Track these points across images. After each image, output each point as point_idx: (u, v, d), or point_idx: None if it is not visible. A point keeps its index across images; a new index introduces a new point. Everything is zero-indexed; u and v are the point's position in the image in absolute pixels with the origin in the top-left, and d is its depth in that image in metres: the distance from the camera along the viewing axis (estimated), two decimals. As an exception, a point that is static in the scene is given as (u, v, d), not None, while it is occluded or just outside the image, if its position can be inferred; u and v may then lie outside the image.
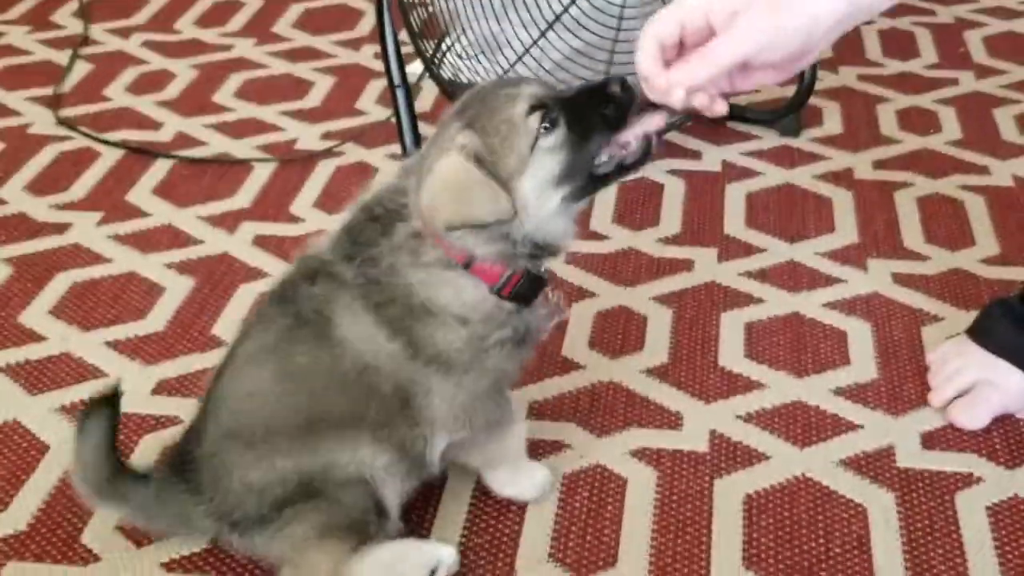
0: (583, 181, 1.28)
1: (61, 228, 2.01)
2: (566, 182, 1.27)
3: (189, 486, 1.33)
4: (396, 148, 2.19)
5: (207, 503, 1.32)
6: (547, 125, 1.25)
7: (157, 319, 1.78)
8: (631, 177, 1.36)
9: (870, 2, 1.19)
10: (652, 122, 1.30)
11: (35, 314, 1.79)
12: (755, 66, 1.20)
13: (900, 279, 1.86)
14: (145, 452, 1.52)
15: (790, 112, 2.28)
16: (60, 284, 1.86)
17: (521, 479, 1.46)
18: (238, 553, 1.37)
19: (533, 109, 1.25)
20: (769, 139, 2.28)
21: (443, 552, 1.35)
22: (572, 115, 1.27)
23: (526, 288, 1.31)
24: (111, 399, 1.34)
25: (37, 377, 1.66)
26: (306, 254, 1.35)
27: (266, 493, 1.30)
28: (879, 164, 2.19)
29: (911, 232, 1.98)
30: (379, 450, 1.32)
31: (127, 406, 1.55)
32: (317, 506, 1.30)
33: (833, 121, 2.33)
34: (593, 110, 1.27)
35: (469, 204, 1.24)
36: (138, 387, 1.63)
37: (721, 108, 1.22)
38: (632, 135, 1.29)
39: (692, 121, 2.25)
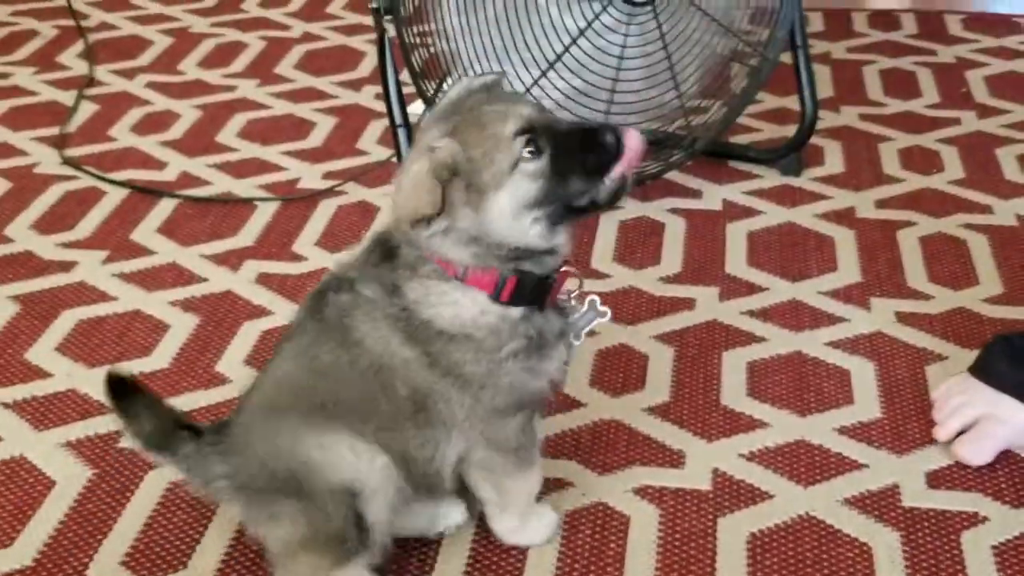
0: (558, 210, 1.30)
1: (67, 266, 2.02)
2: (540, 208, 1.28)
3: (222, 447, 1.36)
4: (399, 187, 2.20)
5: (231, 466, 1.35)
6: (532, 151, 1.27)
7: (162, 356, 1.79)
8: (604, 211, 1.37)
9: None
10: (627, 161, 1.31)
11: (41, 351, 1.80)
12: None
13: (903, 318, 1.87)
14: (150, 488, 1.52)
15: (791, 151, 2.30)
16: (66, 321, 1.87)
17: (529, 526, 1.46)
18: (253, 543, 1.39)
19: (521, 132, 1.27)
20: (770, 178, 2.29)
21: None
22: (559, 148, 1.28)
23: (528, 291, 1.32)
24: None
25: (43, 413, 1.66)
26: (333, 271, 1.40)
27: (266, 466, 1.33)
28: (881, 203, 2.20)
29: (914, 271, 1.99)
30: (379, 450, 1.33)
31: (132, 443, 1.57)
32: (303, 509, 1.32)
33: (835, 160, 2.35)
34: (581, 151, 1.29)
35: (417, 199, 1.26)
36: (142, 424, 1.63)
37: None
38: (608, 177, 1.30)
39: (692, 160, 2.26)
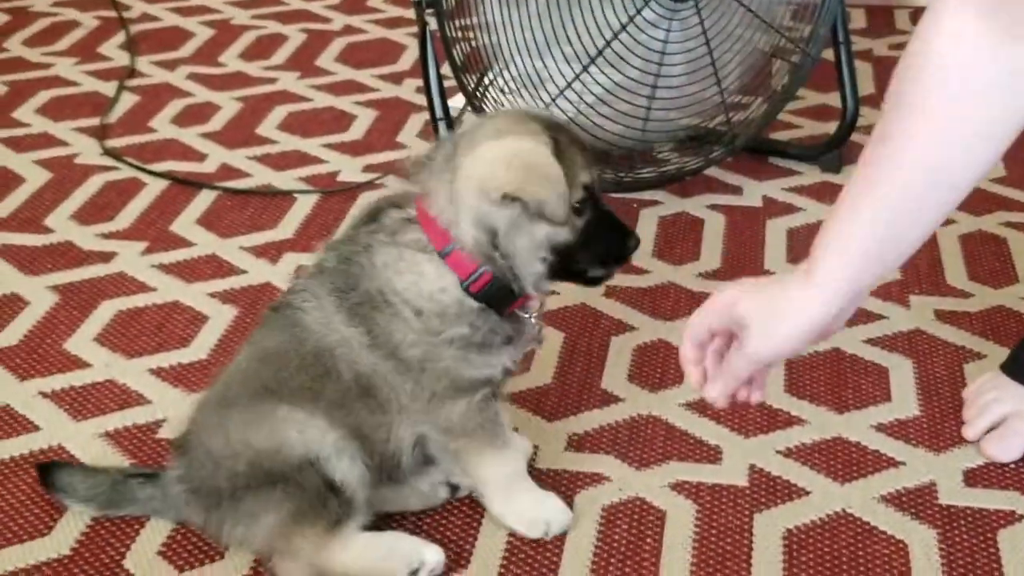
0: (561, 268, 1.38)
1: (106, 257, 2.03)
2: (551, 256, 1.35)
3: (177, 452, 1.41)
4: (437, 181, 2.20)
5: (184, 467, 1.39)
6: (577, 207, 1.33)
7: (200, 347, 1.80)
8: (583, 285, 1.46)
9: (868, 286, 1.32)
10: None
11: (80, 341, 1.81)
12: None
13: (942, 316, 1.85)
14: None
15: (832, 148, 2.29)
16: (105, 312, 1.88)
17: (521, 512, 1.46)
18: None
19: (586, 188, 1.34)
20: (811, 175, 2.28)
21: (427, 552, 1.37)
22: (597, 222, 1.36)
23: (494, 293, 1.35)
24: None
25: (81, 403, 1.68)
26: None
27: (222, 466, 1.35)
28: (921, 201, 2.18)
29: (954, 269, 1.98)
30: (331, 427, 1.35)
31: (169, 432, 1.58)
32: (284, 493, 1.33)
33: (874, 157, 2.33)
34: (606, 239, 1.38)
35: (541, 183, 1.30)
36: (181, 415, 1.64)
37: (758, 397, 1.36)
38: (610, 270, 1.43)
39: (732, 156, 2.25)
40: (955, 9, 1.20)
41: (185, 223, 2.14)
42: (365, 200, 2.20)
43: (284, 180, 2.29)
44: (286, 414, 1.35)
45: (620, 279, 1.96)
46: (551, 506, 1.46)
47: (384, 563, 1.36)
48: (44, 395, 1.69)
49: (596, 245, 1.37)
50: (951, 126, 1.23)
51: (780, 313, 1.31)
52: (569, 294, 1.91)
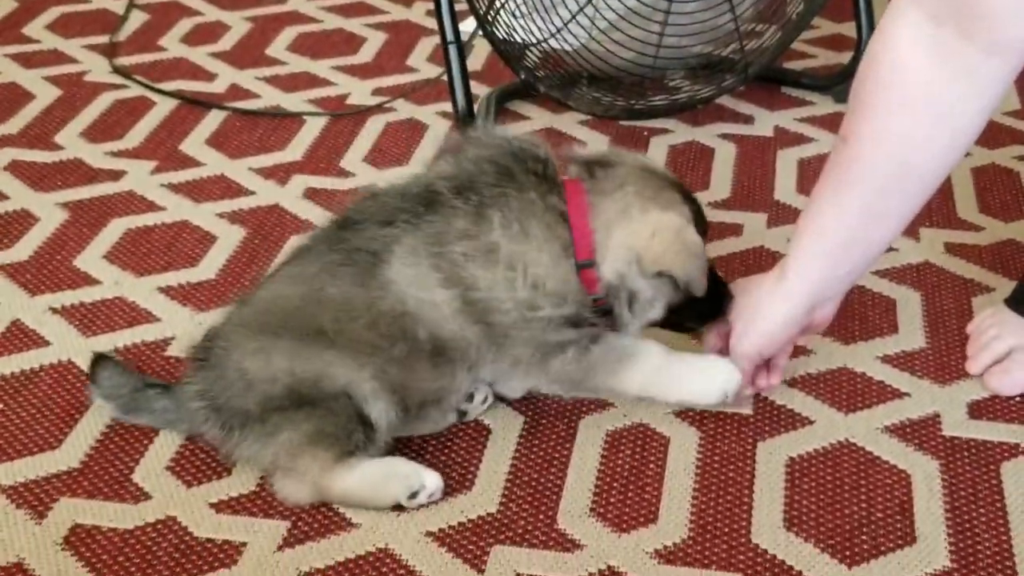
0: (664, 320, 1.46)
1: (116, 175, 2.03)
2: (664, 312, 1.45)
3: (199, 367, 1.41)
4: (447, 106, 2.19)
5: (207, 383, 1.38)
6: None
7: (209, 267, 1.80)
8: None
9: (841, 283, 1.43)
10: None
11: (89, 258, 1.82)
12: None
13: (952, 249, 1.85)
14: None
15: (846, 79, 2.25)
16: (114, 230, 1.88)
17: (688, 391, 1.47)
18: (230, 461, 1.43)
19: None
20: (823, 105, 2.27)
21: (427, 477, 1.37)
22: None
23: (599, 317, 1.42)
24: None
25: (91, 319, 1.68)
26: (398, 186, 1.42)
27: (255, 387, 1.35)
28: (933, 133, 2.17)
29: (965, 202, 1.97)
30: (374, 378, 1.35)
31: (177, 351, 1.59)
32: (307, 414, 1.34)
33: (888, 89, 2.31)
34: (712, 300, 1.44)
35: (693, 263, 1.38)
36: (189, 333, 1.65)
37: (775, 380, 1.51)
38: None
39: (744, 85, 2.24)
40: (911, 15, 1.21)
41: (194, 143, 2.14)
42: (374, 124, 2.20)
43: (293, 102, 2.28)
44: (333, 358, 1.35)
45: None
46: (718, 372, 1.46)
47: (384, 487, 1.37)
48: (54, 311, 1.70)
49: (704, 305, 1.43)
50: (912, 129, 1.26)
51: (757, 311, 1.41)
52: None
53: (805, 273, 1.38)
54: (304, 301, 1.37)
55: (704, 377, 1.47)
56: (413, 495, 1.36)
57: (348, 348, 1.35)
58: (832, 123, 2.20)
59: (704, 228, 1.45)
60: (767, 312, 1.40)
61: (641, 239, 1.37)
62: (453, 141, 1.45)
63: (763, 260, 1.83)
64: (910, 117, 1.25)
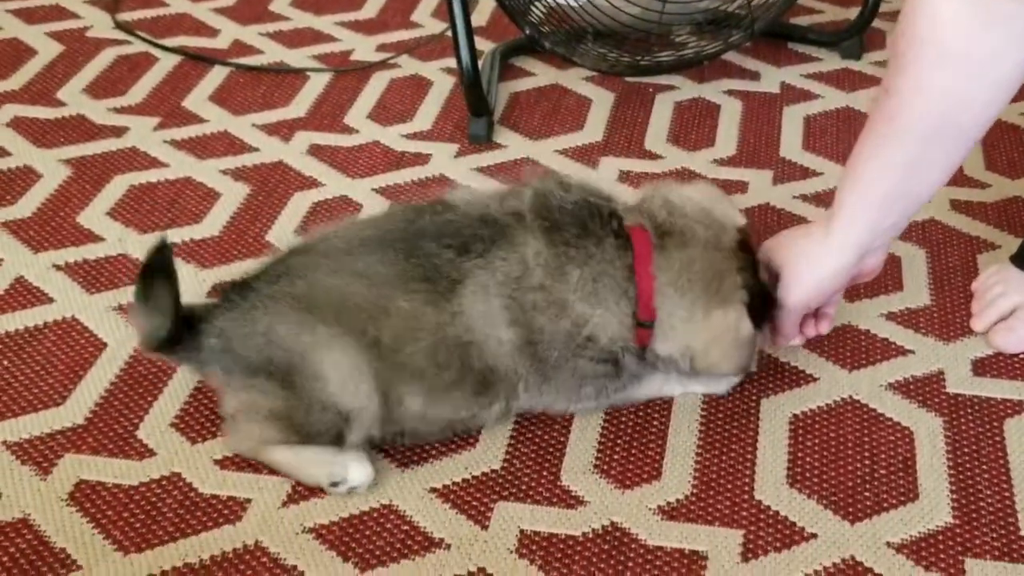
0: None
1: (119, 132, 2.03)
2: None
3: (225, 319, 1.37)
4: (451, 62, 2.17)
5: (227, 326, 1.36)
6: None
7: (212, 224, 1.80)
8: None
9: (887, 234, 1.40)
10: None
11: (93, 215, 1.81)
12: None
13: (957, 206, 1.84)
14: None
15: (853, 34, 2.25)
16: (117, 187, 1.88)
17: (700, 380, 1.50)
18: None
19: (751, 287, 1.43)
20: (830, 61, 2.25)
21: (354, 470, 1.34)
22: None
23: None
24: (162, 254, 1.36)
25: (95, 276, 1.68)
26: (476, 206, 1.40)
27: (270, 347, 1.33)
28: (941, 90, 2.16)
29: (971, 159, 1.96)
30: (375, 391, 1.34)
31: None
32: (285, 398, 1.33)
33: (895, 45, 2.30)
34: (760, 311, 1.43)
35: (744, 356, 1.42)
36: (192, 290, 1.65)
37: (824, 328, 1.51)
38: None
39: (750, 41, 2.22)
40: None
41: (197, 99, 2.13)
42: (378, 80, 2.19)
43: (297, 58, 2.27)
44: (358, 366, 1.32)
45: (633, 164, 1.95)
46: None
47: (309, 467, 1.35)
48: (58, 267, 1.70)
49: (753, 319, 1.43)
50: (950, 83, 1.26)
51: (805, 262, 1.40)
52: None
53: (852, 225, 1.37)
54: (370, 306, 1.33)
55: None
56: (335, 484, 1.35)
57: (393, 368, 1.33)
58: (839, 79, 2.19)
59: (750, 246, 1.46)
60: (815, 264, 1.40)
61: (699, 342, 1.39)
62: (541, 183, 1.42)
63: (768, 217, 1.82)
64: (948, 70, 1.24)
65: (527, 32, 2.13)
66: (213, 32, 2.35)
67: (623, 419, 1.46)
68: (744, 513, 1.34)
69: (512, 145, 2.01)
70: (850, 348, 1.57)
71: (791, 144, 2.01)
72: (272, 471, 1.37)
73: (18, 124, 2.04)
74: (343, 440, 1.34)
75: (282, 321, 1.33)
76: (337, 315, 1.33)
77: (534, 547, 1.30)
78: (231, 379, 1.36)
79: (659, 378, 1.47)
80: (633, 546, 1.30)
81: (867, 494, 1.36)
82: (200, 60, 2.25)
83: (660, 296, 1.37)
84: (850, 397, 1.50)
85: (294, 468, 1.36)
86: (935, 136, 1.29)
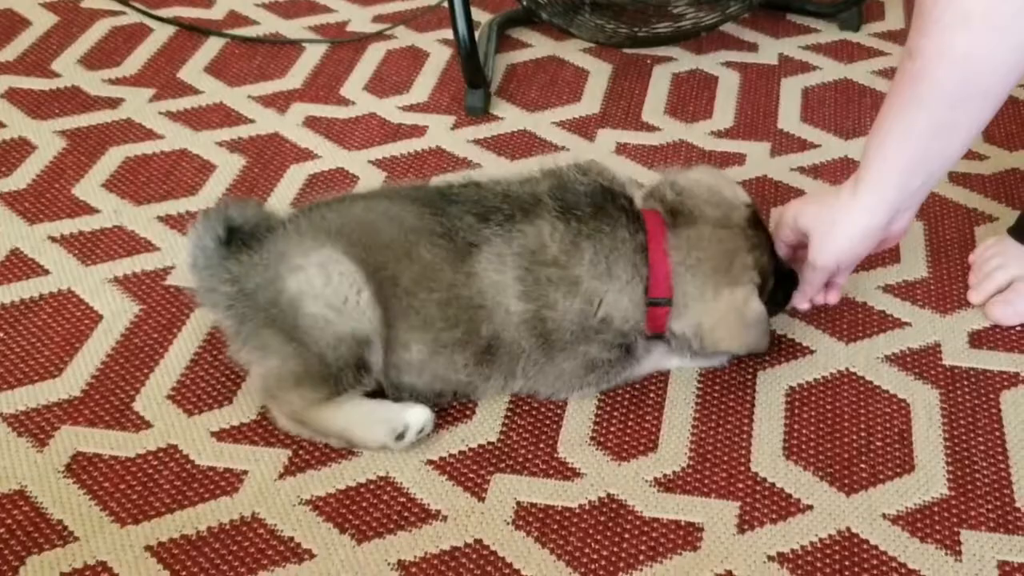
0: None
1: (114, 103, 2.02)
2: None
3: (242, 263, 1.38)
4: (448, 33, 2.17)
5: (241, 272, 1.37)
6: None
7: (209, 196, 1.80)
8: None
9: (916, 191, 1.40)
10: None
11: (88, 187, 1.81)
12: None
13: (955, 178, 1.84)
14: (197, 324, 1.54)
15: (851, 5, 2.24)
16: (113, 158, 1.87)
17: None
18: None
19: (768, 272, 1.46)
20: (829, 33, 2.24)
21: (411, 415, 1.36)
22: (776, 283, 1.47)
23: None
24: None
25: (91, 249, 1.68)
26: (503, 184, 1.43)
27: (285, 307, 1.34)
28: (939, 61, 2.15)
29: (968, 131, 1.95)
30: (415, 341, 1.36)
31: (179, 280, 1.59)
32: (296, 352, 1.34)
33: (895, 16, 2.29)
34: (783, 293, 1.49)
35: (758, 337, 1.42)
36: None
37: (833, 298, 1.54)
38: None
39: (749, 13, 2.21)
40: None
41: (192, 70, 2.12)
42: (374, 51, 2.18)
43: (292, 29, 2.26)
44: (370, 298, 1.34)
45: (630, 136, 1.95)
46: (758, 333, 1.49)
47: (370, 429, 1.36)
48: (53, 239, 1.70)
49: (774, 298, 1.46)
50: (972, 46, 1.26)
51: (834, 222, 1.41)
52: (584, 152, 1.90)
53: (880, 188, 1.37)
54: (395, 244, 1.36)
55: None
56: (400, 437, 1.36)
57: (406, 309, 1.35)
58: (837, 51, 2.18)
59: (761, 224, 1.47)
60: (845, 225, 1.40)
61: (709, 319, 1.40)
62: (559, 168, 1.45)
63: (766, 190, 1.82)
64: (970, 33, 1.23)
65: (524, 3, 2.12)
66: (208, 3, 2.34)
67: (620, 392, 1.46)
68: (740, 485, 1.34)
69: (509, 117, 2.00)
70: (847, 320, 1.57)
71: (789, 116, 2.01)
72: (275, 441, 1.38)
73: (13, 96, 2.03)
74: (368, 367, 1.35)
75: (296, 272, 1.34)
76: (365, 252, 1.35)
77: (531, 519, 1.30)
78: (245, 342, 1.37)
79: (657, 354, 1.47)
80: (629, 518, 1.30)
81: (863, 466, 1.37)
82: (195, 31, 2.23)
83: (673, 275, 1.39)
84: (847, 369, 1.50)
85: (350, 434, 1.36)
86: (960, 100, 1.28)
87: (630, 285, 1.38)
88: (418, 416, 1.36)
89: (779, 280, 1.47)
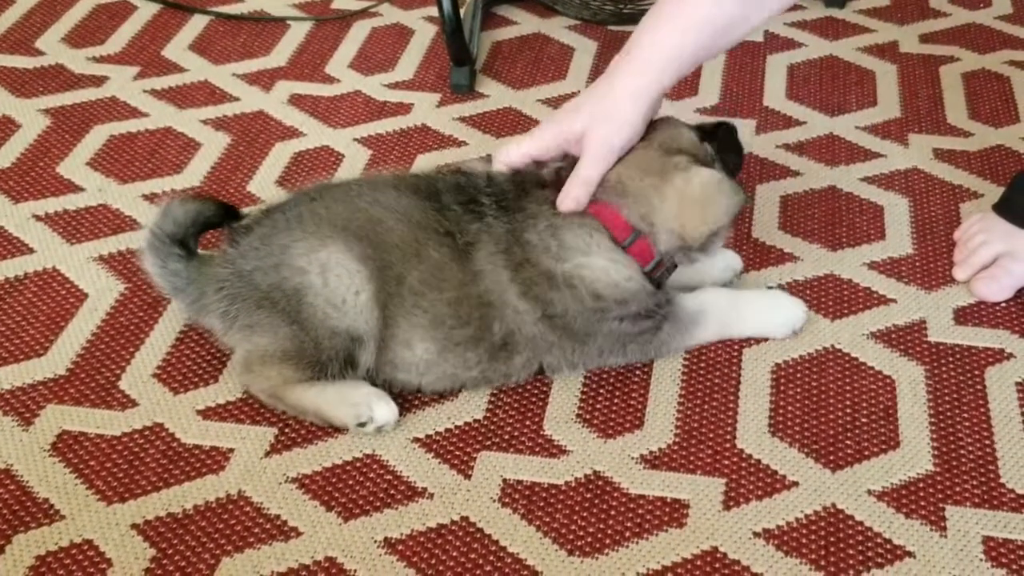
0: None
1: (98, 81, 2.01)
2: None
3: (240, 246, 1.39)
4: (433, 10, 2.16)
5: (239, 255, 1.38)
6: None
7: (193, 174, 1.79)
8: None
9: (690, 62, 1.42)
10: None
11: (73, 165, 1.80)
12: None
13: (941, 155, 1.84)
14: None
15: (836, -17, 2.24)
16: (97, 137, 1.87)
17: (758, 322, 1.51)
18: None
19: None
20: (814, 10, 2.24)
21: (378, 408, 1.36)
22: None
23: (665, 272, 1.43)
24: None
25: (75, 227, 1.67)
26: (466, 173, 1.44)
27: (280, 269, 1.34)
28: (925, 38, 2.15)
29: (955, 107, 1.96)
30: (422, 337, 1.36)
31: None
32: (292, 335, 1.34)
33: (880, -7, 2.29)
34: (733, 161, 1.52)
35: (730, 210, 1.41)
36: (174, 240, 1.64)
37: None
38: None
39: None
40: None
41: (177, 48, 2.11)
42: (359, 29, 2.17)
43: (277, 6, 2.25)
44: (369, 299, 1.34)
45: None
46: (783, 308, 1.52)
47: (335, 410, 1.36)
48: (38, 218, 1.69)
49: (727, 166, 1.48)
50: None
51: (604, 96, 1.39)
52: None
53: (658, 43, 1.39)
54: (404, 243, 1.36)
55: (771, 314, 1.51)
56: (362, 424, 1.36)
57: (411, 309, 1.35)
58: (823, 28, 2.18)
59: (738, 149, 1.50)
60: (617, 89, 1.39)
61: (674, 219, 1.39)
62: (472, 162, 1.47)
63: (751, 166, 1.82)
64: None
65: (510, -20, 2.12)
66: (192, -20, 2.33)
67: (606, 369, 1.46)
68: (726, 462, 1.35)
69: (494, 94, 2.00)
70: (832, 297, 1.57)
71: (774, 93, 2.01)
72: (261, 420, 1.38)
73: (-4, 73, 2.03)
74: (355, 365, 1.35)
75: (298, 255, 1.34)
76: (373, 244, 1.35)
77: (517, 496, 1.30)
78: (234, 322, 1.37)
79: (709, 317, 1.47)
80: (615, 495, 1.31)
81: (848, 442, 1.37)
82: (179, 8, 2.22)
83: (621, 209, 1.39)
84: (832, 346, 1.50)
85: (319, 411, 1.36)
86: None
87: (597, 246, 1.38)
88: (384, 413, 1.36)
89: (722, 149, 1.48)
